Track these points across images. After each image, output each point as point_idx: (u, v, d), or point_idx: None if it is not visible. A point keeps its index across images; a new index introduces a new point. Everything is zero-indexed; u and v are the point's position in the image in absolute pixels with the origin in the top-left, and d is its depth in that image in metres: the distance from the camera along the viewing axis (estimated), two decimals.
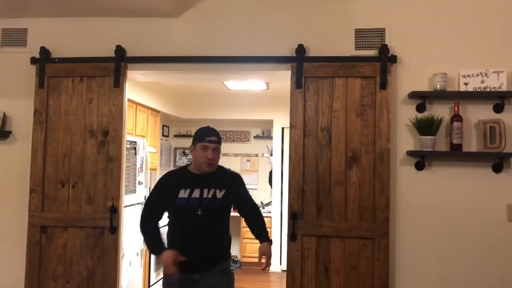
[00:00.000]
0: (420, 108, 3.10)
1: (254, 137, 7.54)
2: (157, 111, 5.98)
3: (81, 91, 3.39)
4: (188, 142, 7.53)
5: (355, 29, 3.21)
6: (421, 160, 3.09)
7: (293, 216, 3.11)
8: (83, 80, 3.40)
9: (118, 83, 3.32)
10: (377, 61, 3.11)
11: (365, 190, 3.09)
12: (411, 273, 3.09)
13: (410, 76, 3.14)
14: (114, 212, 3.25)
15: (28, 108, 3.44)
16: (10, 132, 3.48)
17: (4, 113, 3.48)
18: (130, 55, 3.38)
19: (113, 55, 3.36)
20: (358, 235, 3.08)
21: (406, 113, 3.12)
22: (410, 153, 3.08)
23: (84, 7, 3.34)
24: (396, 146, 3.12)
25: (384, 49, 3.11)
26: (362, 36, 3.20)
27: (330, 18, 3.25)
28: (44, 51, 3.42)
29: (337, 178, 3.12)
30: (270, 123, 7.05)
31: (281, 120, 6.84)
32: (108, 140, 3.32)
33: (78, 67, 3.39)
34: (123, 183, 3.36)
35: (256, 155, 7.47)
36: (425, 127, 3.01)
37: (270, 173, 7.03)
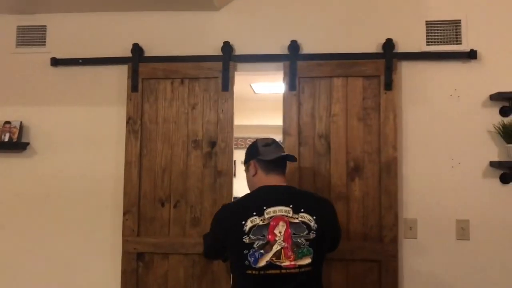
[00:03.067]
0: (506, 112, 2.71)
1: None
2: None
3: (182, 95, 2.92)
4: None
5: (426, 21, 2.81)
6: (509, 172, 2.68)
7: None
8: (185, 83, 2.92)
9: (227, 85, 2.88)
10: (381, 57, 2.75)
11: (369, 206, 2.71)
12: None
13: (491, 75, 2.73)
14: None
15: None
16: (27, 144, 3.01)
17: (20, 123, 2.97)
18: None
19: (218, 53, 2.93)
20: (363, 257, 2.67)
21: (488, 118, 2.72)
22: (496, 165, 2.68)
23: None
24: (476, 155, 2.73)
25: (388, 44, 2.74)
26: (435, 28, 2.83)
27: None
28: (137, 48, 2.94)
29: (337, 192, 2.72)
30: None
31: None
32: (216, 152, 2.87)
33: (178, 67, 2.92)
34: None
35: None
36: None
37: None
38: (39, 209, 3.00)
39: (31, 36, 3.09)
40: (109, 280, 2.89)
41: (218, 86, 2.89)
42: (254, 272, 1.85)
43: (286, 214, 1.89)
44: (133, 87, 2.90)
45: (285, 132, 2.79)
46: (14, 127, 2.98)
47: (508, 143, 2.66)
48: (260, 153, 2.04)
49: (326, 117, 2.79)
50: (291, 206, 1.91)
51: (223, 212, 2.03)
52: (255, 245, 1.85)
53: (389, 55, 2.74)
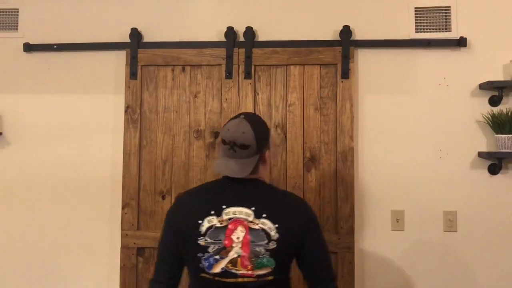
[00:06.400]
0: (495, 101, 2.64)
1: None
2: None
3: (184, 83, 2.80)
4: None
5: (415, 8, 2.70)
6: (497, 163, 2.63)
7: None
8: (186, 70, 2.80)
9: (231, 73, 2.79)
10: (338, 45, 2.70)
11: (326, 197, 2.66)
12: None
13: (480, 63, 2.65)
14: None
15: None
16: None
17: None
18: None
19: (221, 39, 2.80)
20: None
21: (476, 107, 2.65)
22: (486, 155, 2.62)
23: None
24: (464, 145, 2.68)
25: (345, 30, 2.69)
26: (422, 16, 2.76)
27: None
28: (135, 33, 2.77)
29: (293, 184, 2.67)
30: None
31: None
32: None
33: (179, 54, 2.79)
34: None
35: None
36: (505, 124, 2.55)
37: None
38: (17, 202, 2.85)
39: (2, 20, 2.94)
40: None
41: (222, 74, 2.78)
42: (208, 276, 1.65)
43: (246, 217, 1.65)
44: (132, 74, 2.75)
45: None
46: None
47: (497, 133, 2.61)
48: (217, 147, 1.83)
49: (282, 106, 2.74)
50: (253, 208, 1.66)
51: (178, 205, 1.79)
52: (210, 250, 1.63)
53: (346, 43, 2.71)
